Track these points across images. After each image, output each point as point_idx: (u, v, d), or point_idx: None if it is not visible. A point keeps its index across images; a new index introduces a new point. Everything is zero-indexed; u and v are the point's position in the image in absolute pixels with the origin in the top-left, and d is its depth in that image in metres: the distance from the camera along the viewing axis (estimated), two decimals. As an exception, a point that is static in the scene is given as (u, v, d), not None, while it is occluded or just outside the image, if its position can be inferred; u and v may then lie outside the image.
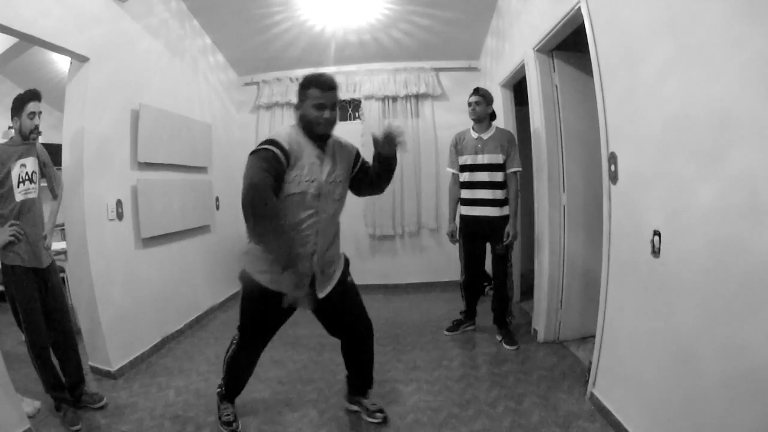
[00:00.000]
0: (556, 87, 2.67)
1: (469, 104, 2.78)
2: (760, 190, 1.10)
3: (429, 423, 1.97)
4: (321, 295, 1.75)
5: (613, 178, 1.84)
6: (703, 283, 1.32)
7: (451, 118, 4.24)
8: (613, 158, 1.83)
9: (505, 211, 2.75)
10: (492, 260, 2.86)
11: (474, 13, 3.49)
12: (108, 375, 2.51)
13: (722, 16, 1.19)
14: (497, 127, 2.82)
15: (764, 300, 1.10)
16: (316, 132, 1.65)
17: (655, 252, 1.54)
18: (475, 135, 2.80)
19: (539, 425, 1.90)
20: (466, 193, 2.83)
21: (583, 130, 2.58)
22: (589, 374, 2.09)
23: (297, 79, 4.21)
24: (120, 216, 2.68)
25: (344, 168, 1.77)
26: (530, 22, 2.71)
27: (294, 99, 4.16)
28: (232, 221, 4.27)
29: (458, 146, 2.86)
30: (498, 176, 2.73)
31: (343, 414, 2.08)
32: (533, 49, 2.65)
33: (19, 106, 1.98)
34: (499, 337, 2.84)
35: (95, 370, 2.55)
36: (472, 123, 2.85)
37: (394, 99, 4.22)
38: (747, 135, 1.13)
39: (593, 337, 2.06)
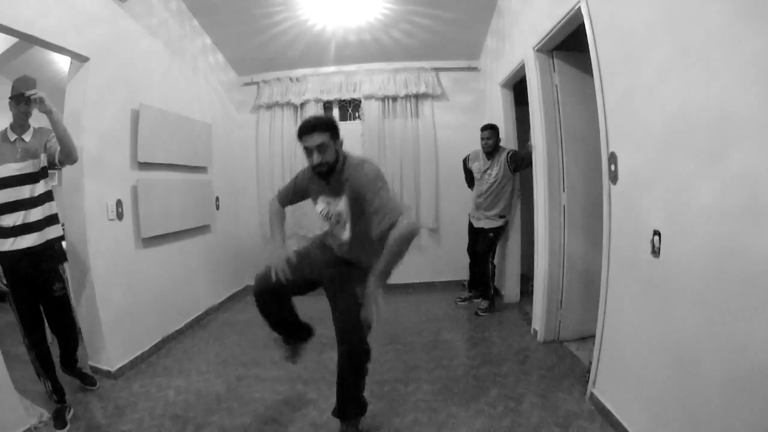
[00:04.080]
0: (556, 87, 2.67)
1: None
2: (760, 190, 1.10)
3: (429, 423, 1.97)
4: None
5: (613, 178, 1.84)
6: (703, 283, 1.32)
7: (451, 118, 4.25)
8: (613, 158, 1.83)
9: None
10: None
11: (474, 13, 3.49)
12: (108, 375, 2.50)
13: (722, 16, 1.19)
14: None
15: (764, 300, 1.10)
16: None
17: (655, 252, 1.54)
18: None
19: (539, 425, 1.90)
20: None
21: (583, 130, 2.58)
22: (589, 374, 2.09)
23: (297, 79, 4.22)
24: (120, 216, 2.67)
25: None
26: (530, 22, 2.71)
27: (293, 99, 4.24)
28: (232, 221, 4.28)
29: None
30: None
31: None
32: (533, 48, 2.65)
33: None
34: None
35: (95, 370, 2.54)
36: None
37: (394, 99, 4.22)
38: (747, 135, 1.13)
39: (593, 337, 2.06)
